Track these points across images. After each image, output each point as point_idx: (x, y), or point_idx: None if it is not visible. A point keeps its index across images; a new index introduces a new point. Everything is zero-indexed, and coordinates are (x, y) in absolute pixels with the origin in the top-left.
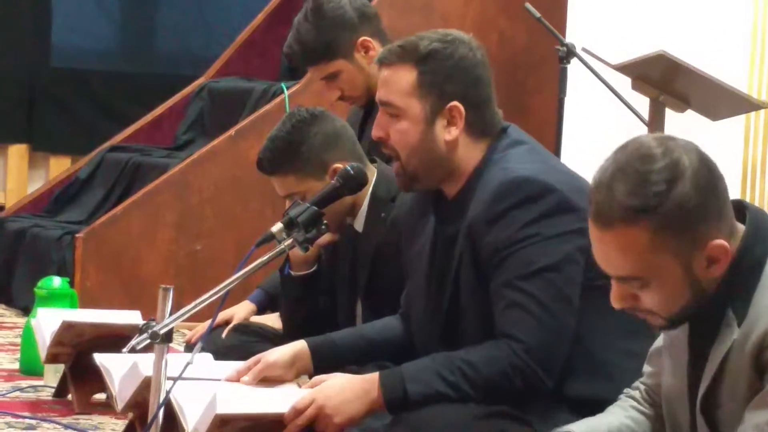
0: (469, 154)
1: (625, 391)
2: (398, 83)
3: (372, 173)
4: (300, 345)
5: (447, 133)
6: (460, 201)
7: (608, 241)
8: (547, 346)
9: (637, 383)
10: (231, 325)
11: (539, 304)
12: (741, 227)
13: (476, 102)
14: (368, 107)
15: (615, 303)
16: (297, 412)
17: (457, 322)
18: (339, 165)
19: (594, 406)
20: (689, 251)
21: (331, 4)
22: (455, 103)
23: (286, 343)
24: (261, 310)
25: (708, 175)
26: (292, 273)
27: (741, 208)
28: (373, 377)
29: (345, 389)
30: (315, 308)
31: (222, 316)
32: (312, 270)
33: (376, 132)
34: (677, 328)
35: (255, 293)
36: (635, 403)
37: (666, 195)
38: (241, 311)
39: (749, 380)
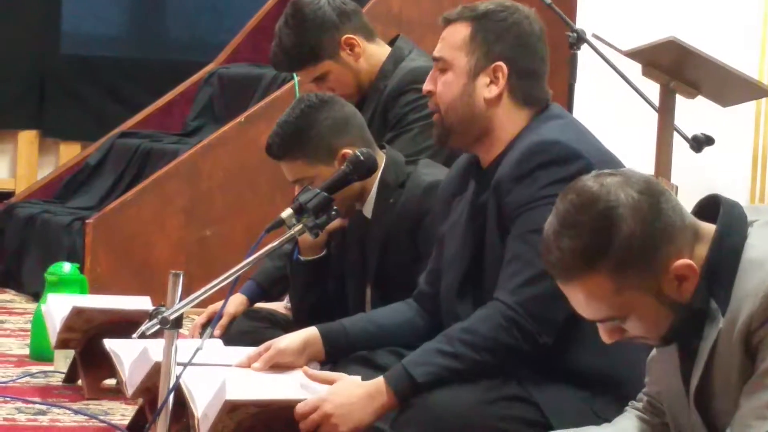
0: (508, 120)
1: (630, 403)
2: (452, 38)
3: (381, 159)
4: (311, 331)
5: (487, 90)
6: (495, 168)
7: (574, 291)
8: (542, 299)
9: (640, 395)
10: (223, 320)
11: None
12: (708, 226)
13: (522, 69)
14: (360, 101)
15: (605, 339)
16: (301, 416)
17: (480, 281)
18: (348, 150)
19: (601, 380)
20: (654, 280)
21: (310, 6)
22: (500, 63)
23: (296, 329)
24: (253, 303)
25: (650, 202)
26: (302, 258)
27: (716, 203)
28: (378, 381)
29: (352, 396)
30: (324, 293)
31: (212, 308)
32: (321, 255)
33: (426, 86)
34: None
35: (246, 285)
36: (640, 413)
37: (611, 240)
38: (231, 304)
39: (741, 366)
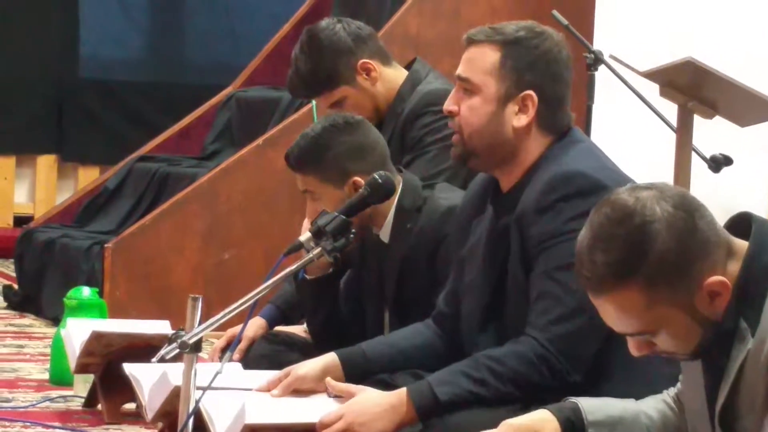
0: (532, 146)
1: (668, 390)
2: (480, 61)
3: (399, 184)
4: (330, 357)
5: (516, 119)
6: (515, 194)
7: (606, 305)
8: (573, 337)
9: (673, 388)
10: (242, 344)
11: (572, 295)
12: (741, 243)
13: (550, 97)
14: (378, 125)
15: (634, 353)
16: (324, 426)
17: (501, 311)
18: (359, 179)
19: None
20: (687, 296)
21: (325, 32)
22: (530, 92)
23: (316, 352)
24: (272, 326)
25: (685, 218)
26: (307, 277)
27: (747, 220)
28: (401, 392)
29: (374, 406)
30: (334, 312)
31: (231, 332)
32: (327, 273)
33: (448, 105)
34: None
35: (266, 309)
36: (671, 401)
37: (646, 254)
38: (250, 328)
39: (766, 389)
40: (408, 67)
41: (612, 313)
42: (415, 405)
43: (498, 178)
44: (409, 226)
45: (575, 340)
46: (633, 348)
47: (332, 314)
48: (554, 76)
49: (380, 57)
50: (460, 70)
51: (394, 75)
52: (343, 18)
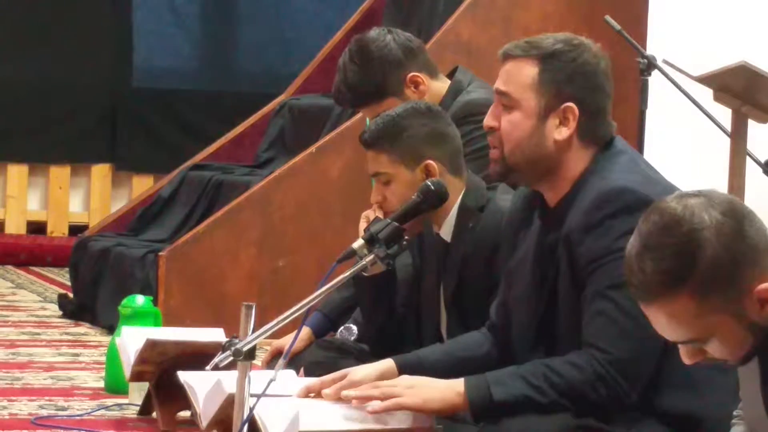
0: (575, 159)
1: (735, 413)
2: (519, 75)
3: (460, 187)
4: (387, 364)
5: (558, 132)
6: (562, 209)
7: (656, 313)
8: (632, 358)
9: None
10: (284, 356)
11: (627, 315)
12: None
13: (591, 108)
14: None
15: (686, 360)
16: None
17: (552, 329)
18: (432, 162)
19: (685, 421)
20: (737, 303)
21: (376, 43)
22: (570, 104)
23: (370, 358)
24: (319, 335)
25: (734, 225)
26: (365, 274)
27: None
28: (458, 380)
29: (430, 381)
30: (392, 313)
31: (276, 345)
32: (384, 270)
33: (488, 121)
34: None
35: (313, 317)
36: None
37: (696, 262)
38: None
39: None
40: (450, 75)
41: (662, 321)
42: (469, 397)
43: (543, 193)
44: (471, 225)
45: (634, 362)
46: (684, 356)
47: (390, 314)
48: (593, 87)
49: (428, 70)
50: (499, 84)
51: (440, 87)
52: (393, 29)
